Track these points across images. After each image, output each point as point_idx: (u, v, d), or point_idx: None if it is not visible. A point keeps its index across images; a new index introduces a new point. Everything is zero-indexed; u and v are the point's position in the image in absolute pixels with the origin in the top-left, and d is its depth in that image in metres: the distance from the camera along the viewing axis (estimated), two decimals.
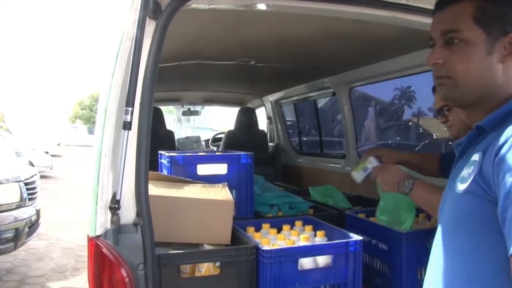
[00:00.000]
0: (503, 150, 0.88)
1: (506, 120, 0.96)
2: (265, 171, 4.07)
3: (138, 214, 1.55)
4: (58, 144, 24.85)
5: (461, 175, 1.00)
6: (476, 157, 0.96)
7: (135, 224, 1.55)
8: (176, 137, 5.78)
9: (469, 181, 0.95)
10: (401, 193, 1.88)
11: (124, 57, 1.54)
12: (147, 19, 1.53)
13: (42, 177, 6.40)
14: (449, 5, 1.09)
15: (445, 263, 1.02)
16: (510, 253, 0.82)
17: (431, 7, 1.97)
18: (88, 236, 1.57)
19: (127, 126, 1.47)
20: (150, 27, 1.56)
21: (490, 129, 1.00)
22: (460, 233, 0.98)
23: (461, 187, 0.97)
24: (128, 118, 1.46)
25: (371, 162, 2.17)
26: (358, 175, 2.20)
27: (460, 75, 1.05)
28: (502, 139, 0.90)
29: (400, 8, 1.93)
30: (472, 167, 0.96)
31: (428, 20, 2.02)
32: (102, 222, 1.52)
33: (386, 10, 1.94)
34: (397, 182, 1.89)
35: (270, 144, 5.59)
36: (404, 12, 1.97)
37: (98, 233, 1.53)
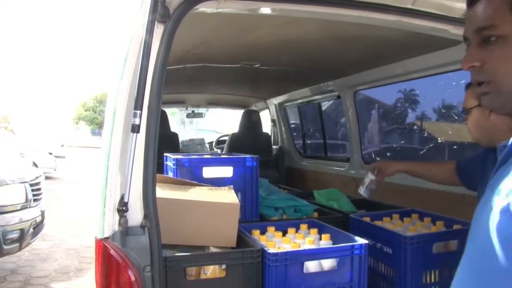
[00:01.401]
0: None
1: None
2: (268, 174, 4.08)
3: (146, 216, 1.56)
4: (62, 145, 24.91)
5: (499, 187, 0.81)
6: None
7: (142, 227, 1.56)
8: (180, 139, 5.79)
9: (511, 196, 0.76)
10: None
11: (133, 60, 1.55)
12: (156, 22, 1.54)
13: (46, 178, 6.42)
14: None
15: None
16: None
17: (436, 11, 1.99)
18: (95, 238, 1.58)
19: (135, 129, 1.48)
20: (159, 30, 1.57)
21: None
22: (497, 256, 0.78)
23: (499, 202, 0.79)
24: (137, 121, 1.48)
25: (369, 177, 2.42)
26: (361, 190, 2.47)
27: (502, 78, 0.89)
28: None
29: (405, 12, 1.93)
30: None
31: (434, 25, 2.05)
32: (110, 224, 1.53)
33: (391, 14, 1.95)
34: None
35: (274, 147, 5.59)
36: (409, 16, 1.98)
37: (106, 235, 1.54)
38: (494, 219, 0.79)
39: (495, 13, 0.89)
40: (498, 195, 0.80)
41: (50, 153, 16.25)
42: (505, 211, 0.76)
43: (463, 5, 0.98)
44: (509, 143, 0.87)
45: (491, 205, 0.81)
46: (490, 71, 0.90)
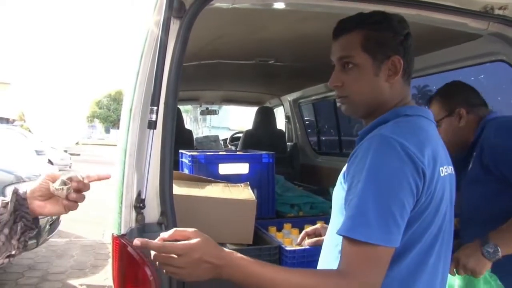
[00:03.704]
0: (351, 159, 1.17)
1: (373, 131, 1.19)
2: (283, 170, 4.06)
3: (163, 213, 1.55)
4: (77, 143, 25.15)
5: (344, 169, 1.24)
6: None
7: (159, 223, 1.55)
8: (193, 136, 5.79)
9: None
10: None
11: (149, 56, 1.55)
12: (172, 18, 1.53)
13: None
14: (342, 35, 1.29)
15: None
16: (338, 232, 1.09)
17: (456, 4, 1.96)
18: (112, 235, 1.57)
19: (152, 125, 1.47)
20: (174, 26, 1.56)
21: (364, 137, 1.20)
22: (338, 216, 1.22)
23: (340, 179, 1.25)
24: (153, 117, 1.46)
25: None
26: None
27: (354, 95, 1.28)
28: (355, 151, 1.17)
29: (425, 6, 1.90)
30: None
31: (453, 18, 2.01)
32: (127, 221, 1.53)
33: (410, 8, 1.92)
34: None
35: (288, 143, 5.56)
36: (428, 9, 1.94)
37: (123, 232, 1.53)
38: (336, 189, 1.28)
39: (352, 48, 1.26)
40: (341, 175, 1.25)
41: (65, 151, 16.42)
42: (339, 183, 1.24)
43: None
44: (360, 132, 1.30)
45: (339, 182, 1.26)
46: (347, 89, 1.28)
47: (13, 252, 1.21)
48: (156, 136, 1.52)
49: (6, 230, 1.17)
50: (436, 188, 1.13)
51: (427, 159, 1.10)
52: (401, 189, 1.07)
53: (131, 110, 1.56)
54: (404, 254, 1.12)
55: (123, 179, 1.54)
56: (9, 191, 4.59)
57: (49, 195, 1.23)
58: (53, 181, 1.22)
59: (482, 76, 3.14)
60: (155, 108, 1.48)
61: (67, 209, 1.24)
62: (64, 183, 1.21)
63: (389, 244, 1.05)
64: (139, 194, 1.51)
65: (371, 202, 1.06)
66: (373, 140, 1.12)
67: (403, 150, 1.08)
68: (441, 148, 1.23)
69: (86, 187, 1.25)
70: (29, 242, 1.28)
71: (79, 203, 1.26)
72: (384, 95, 1.26)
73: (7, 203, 1.19)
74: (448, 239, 1.25)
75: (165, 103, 1.54)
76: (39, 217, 1.27)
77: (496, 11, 1.95)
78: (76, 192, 1.22)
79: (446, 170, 1.20)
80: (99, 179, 1.27)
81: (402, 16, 1.36)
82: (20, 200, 1.21)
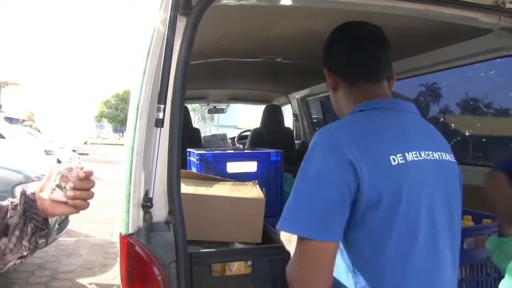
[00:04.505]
0: None
1: None
2: (291, 168, 4.01)
3: (170, 212, 1.54)
4: (85, 143, 25.23)
5: None
6: None
7: (167, 223, 1.54)
8: (201, 135, 5.78)
9: None
10: None
11: (156, 54, 1.54)
12: (178, 16, 1.51)
13: None
14: None
15: None
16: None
17: None
18: (120, 234, 1.57)
19: (159, 123, 1.46)
20: (181, 23, 1.54)
21: None
22: None
23: None
24: (161, 115, 1.45)
25: None
26: None
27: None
28: None
29: (434, 0, 1.87)
30: None
31: (463, 13, 1.98)
32: (135, 220, 1.52)
33: (418, 3, 1.89)
34: None
35: (296, 141, 5.54)
36: (437, 4, 1.91)
37: (130, 231, 1.52)
38: None
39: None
40: None
41: (74, 150, 16.48)
42: None
43: None
44: None
45: None
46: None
47: (24, 254, 1.20)
48: (163, 135, 1.50)
49: (17, 232, 1.16)
50: (388, 176, 1.14)
51: (360, 149, 1.13)
52: (330, 184, 1.12)
53: (138, 108, 1.55)
54: (362, 243, 1.17)
55: (130, 178, 1.53)
56: (18, 190, 4.61)
57: None
58: (42, 190, 1.19)
59: (493, 72, 3.10)
60: (162, 106, 1.47)
61: (77, 209, 1.20)
62: (58, 185, 1.17)
63: (319, 237, 1.11)
64: (146, 193, 1.50)
65: (301, 199, 1.15)
66: (314, 135, 1.23)
67: (334, 144, 1.15)
68: (405, 134, 1.25)
69: (87, 183, 1.19)
70: (39, 241, 1.27)
71: (88, 201, 1.21)
72: (339, 103, 1.47)
73: (16, 205, 1.18)
74: (438, 228, 1.23)
75: (172, 101, 1.53)
76: (49, 217, 1.26)
77: (508, 5, 1.91)
78: (76, 190, 1.17)
79: (403, 158, 1.17)
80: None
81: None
82: (29, 202, 1.19)
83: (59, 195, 1.17)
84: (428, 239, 1.20)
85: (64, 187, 1.17)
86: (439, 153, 1.28)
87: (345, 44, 1.44)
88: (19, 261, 1.20)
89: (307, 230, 1.12)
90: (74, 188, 1.17)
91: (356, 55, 1.40)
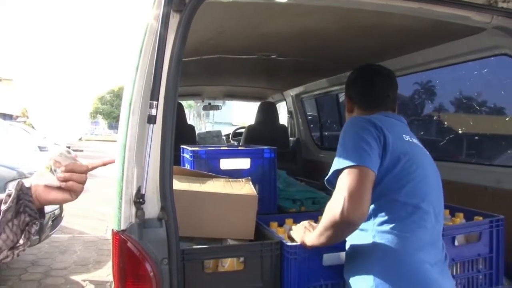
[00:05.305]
0: None
1: None
2: (286, 165, 4.03)
3: (163, 208, 1.55)
4: (80, 139, 25.16)
5: None
6: None
7: (159, 219, 1.55)
8: (196, 132, 5.77)
9: None
10: None
11: (148, 50, 1.54)
12: (171, 12, 1.51)
13: None
14: None
15: None
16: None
17: None
18: (112, 231, 1.57)
19: (152, 120, 1.46)
20: (174, 20, 1.55)
21: None
22: None
23: None
24: (153, 112, 1.46)
25: None
26: None
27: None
28: None
29: None
30: None
31: (456, 12, 1.99)
32: (127, 216, 1.52)
33: (412, 1, 1.90)
34: None
35: (291, 138, 5.55)
36: (430, 3, 1.92)
37: (122, 227, 1.52)
38: None
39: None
40: None
41: (69, 147, 16.39)
42: None
43: None
44: None
45: None
46: None
47: (19, 244, 1.19)
48: (156, 131, 1.51)
49: (8, 215, 1.15)
50: (399, 140, 1.68)
51: (383, 124, 1.65)
52: (369, 134, 1.60)
53: (130, 104, 1.55)
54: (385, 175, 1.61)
55: (122, 174, 1.53)
56: (11, 187, 4.60)
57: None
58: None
59: (486, 70, 3.11)
60: (154, 102, 1.47)
61: (71, 193, 1.19)
62: (49, 170, 1.17)
63: (362, 163, 1.53)
64: (139, 190, 1.51)
65: (343, 148, 1.61)
66: (346, 122, 1.77)
67: (364, 119, 1.69)
68: (407, 131, 1.81)
69: (78, 166, 1.19)
70: (33, 237, 1.26)
71: (82, 185, 1.19)
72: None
73: (11, 193, 1.17)
74: (423, 171, 1.69)
75: (165, 98, 1.53)
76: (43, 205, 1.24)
77: (500, 4, 1.93)
78: (67, 172, 1.16)
79: (411, 139, 1.75)
80: (104, 164, 1.24)
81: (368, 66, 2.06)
82: (24, 189, 1.19)
83: (50, 179, 1.17)
84: (422, 176, 1.66)
85: (55, 170, 1.16)
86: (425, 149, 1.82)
87: (363, 83, 1.96)
88: (10, 253, 1.19)
89: (358, 159, 1.53)
90: (65, 171, 1.16)
91: (370, 92, 1.92)
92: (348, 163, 1.53)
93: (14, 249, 1.19)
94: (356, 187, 1.49)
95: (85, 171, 1.20)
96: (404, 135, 1.71)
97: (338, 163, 1.57)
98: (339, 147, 1.63)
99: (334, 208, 1.49)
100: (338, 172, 1.57)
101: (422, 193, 1.64)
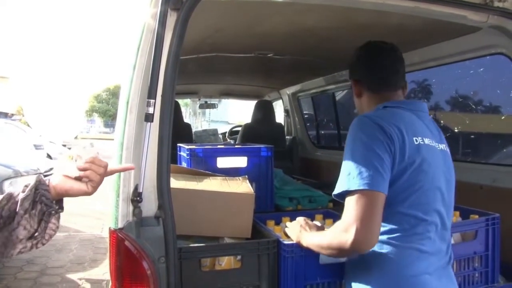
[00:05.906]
0: None
1: None
2: (282, 164, 4.04)
3: (160, 207, 1.55)
4: (76, 137, 25.12)
5: None
6: None
7: (156, 217, 1.55)
8: (192, 130, 5.77)
9: None
10: None
11: (146, 49, 1.54)
12: (169, 10, 1.51)
13: None
14: None
15: None
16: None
17: None
18: (109, 229, 1.57)
19: (149, 118, 1.46)
20: (172, 18, 1.55)
21: None
22: None
23: None
24: (150, 110, 1.46)
25: None
26: None
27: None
28: None
29: None
30: None
31: (453, 11, 2.00)
32: (124, 214, 1.52)
33: (409, 0, 1.91)
34: None
35: (287, 137, 5.55)
36: (427, 2, 1.93)
37: (120, 225, 1.53)
38: None
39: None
40: None
41: (64, 145, 16.38)
42: None
43: None
44: None
45: None
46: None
47: (36, 233, 1.20)
48: (153, 129, 1.51)
49: (26, 204, 1.17)
50: (408, 147, 1.52)
51: (393, 128, 1.51)
52: (376, 146, 1.47)
53: (128, 103, 1.55)
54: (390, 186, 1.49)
55: (120, 172, 1.53)
56: (7, 185, 4.59)
57: None
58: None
59: (482, 69, 3.12)
60: (152, 101, 1.47)
61: (88, 184, 1.22)
62: (71, 156, 1.21)
63: (376, 188, 1.43)
64: (136, 188, 1.51)
65: (353, 161, 1.48)
66: (353, 121, 1.57)
67: (373, 123, 1.51)
68: (421, 127, 1.62)
69: (99, 160, 1.23)
70: (54, 230, 1.27)
71: (100, 177, 1.23)
72: (362, 106, 1.80)
73: (29, 185, 1.19)
74: (431, 178, 1.57)
75: (162, 96, 1.53)
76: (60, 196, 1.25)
77: (496, 3, 1.94)
78: (87, 163, 1.21)
79: (422, 140, 1.57)
80: (124, 170, 1.35)
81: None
82: (42, 180, 1.21)
83: (71, 168, 1.20)
84: (429, 184, 1.55)
85: (76, 160, 1.19)
86: (442, 145, 1.67)
87: (368, 60, 1.78)
88: (29, 243, 1.20)
89: (371, 182, 1.43)
90: (86, 162, 1.20)
91: (379, 69, 1.74)
92: (360, 185, 1.43)
93: (32, 239, 1.20)
94: (369, 216, 1.42)
95: (105, 166, 1.23)
96: (414, 138, 1.56)
97: (348, 181, 1.47)
98: (347, 154, 1.52)
99: (345, 236, 1.44)
100: (348, 191, 1.47)
101: (428, 203, 1.56)
